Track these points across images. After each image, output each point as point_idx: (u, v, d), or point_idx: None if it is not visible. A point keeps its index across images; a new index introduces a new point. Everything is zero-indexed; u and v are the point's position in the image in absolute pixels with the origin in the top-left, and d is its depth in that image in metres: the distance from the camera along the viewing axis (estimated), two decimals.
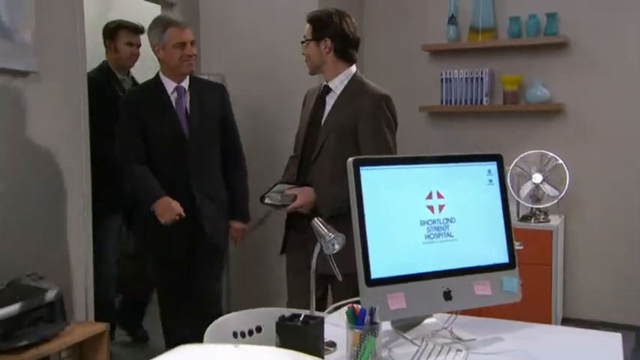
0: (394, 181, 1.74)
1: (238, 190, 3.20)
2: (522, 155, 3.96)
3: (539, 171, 3.90)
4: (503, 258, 1.85)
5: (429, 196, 1.77)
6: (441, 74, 4.33)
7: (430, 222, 1.76)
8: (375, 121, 2.55)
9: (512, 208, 4.04)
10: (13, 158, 2.77)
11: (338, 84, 2.65)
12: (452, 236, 1.78)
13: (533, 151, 3.97)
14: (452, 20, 4.33)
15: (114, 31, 3.69)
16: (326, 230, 1.67)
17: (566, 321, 4.09)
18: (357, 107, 2.57)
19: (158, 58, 3.02)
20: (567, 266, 4.19)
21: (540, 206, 3.89)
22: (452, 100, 4.32)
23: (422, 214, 1.76)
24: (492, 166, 1.92)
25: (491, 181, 1.89)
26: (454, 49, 4.37)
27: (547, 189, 3.87)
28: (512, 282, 1.83)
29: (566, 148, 4.10)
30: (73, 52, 3.01)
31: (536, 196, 3.91)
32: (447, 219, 1.78)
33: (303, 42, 2.68)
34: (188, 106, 3.03)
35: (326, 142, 2.59)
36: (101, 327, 2.88)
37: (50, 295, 2.67)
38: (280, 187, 2.66)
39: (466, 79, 4.27)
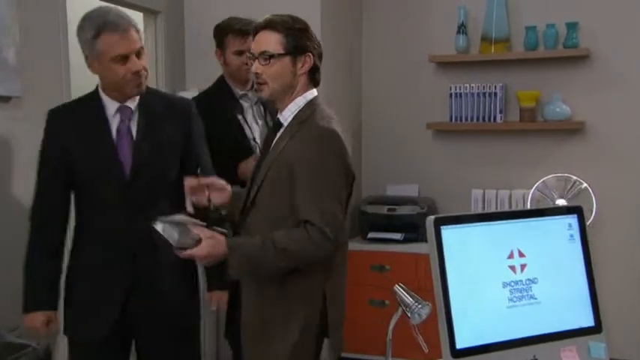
0: (474, 239, 1.69)
1: None
2: (544, 179, 3.93)
3: (562, 196, 3.88)
4: (588, 321, 1.81)
5: (510, 256, 1.74)
6: (450, 88, 4.27)
7: (513, 283, 1.72)
8: (314, 161, 2.15)
9: None
10: None
11: (288, 115, 2.27)
12: (535, 298, 1.75)
13: (556, 175, 3.95)
14: (461, 29, 4.27)
15: (221, 36, 3.23)
16: (411, 299, 1.60)
17: None
18: (296, 145, 2.19)
19: (91, 71, 2.43)
20: None
21: None
22: (462, 117, 4.27)
23: (504, 275, 1.72)
24: (573, 219, 1.86)
25: (572, 236, 1.84)
26: (464, 61, 4.31)
27: None
28: (599, 347, 1.79)
29: (589, 169, 4.08)
30: (57, 73, 2.88)
31: None
32: (530, 280, 1.74)
33: (269, 56, 2.19)
34: (134, 134, 2.45)
35: (263, 185, 2.24)
36: None
37: (36, 352, 2.52)
38: (184, 219, 2.14)
39: (477, 94, 4.22)
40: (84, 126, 2.44)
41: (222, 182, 2.38)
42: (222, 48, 3.19)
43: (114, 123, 2.44)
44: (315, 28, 2.34)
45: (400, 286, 1.65)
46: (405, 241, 4.11)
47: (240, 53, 3.10)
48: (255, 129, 3.15)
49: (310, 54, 2.23)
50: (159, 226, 2.08)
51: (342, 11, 4.30)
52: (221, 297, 2.70)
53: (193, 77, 3.99)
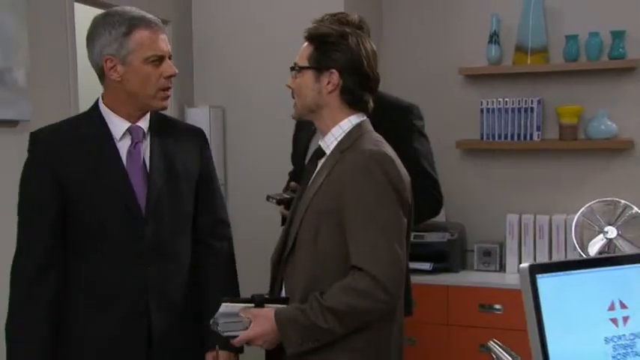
0: (572, 289, 1.53)
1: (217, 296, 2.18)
2: (590, 204, 3.79)
3: (611, 222, 3.73)
4: None
5: (612, 307, 1.58)
6: (481, 103, 4.14)
7: (615, 339, 1.56)
8: (362, 194, 1.96)
9: None
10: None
11: (331, 142, 2.10)
12: None
13: (602, 199, 3.81)
14: (494, 38, 4.13)
15: None
16: (510, 357, 1.47)
17: None
18: (339, 175, 2.01)
19: (107, 78, 2.15)
20: None
21: None
22: (494, 135, 4.12)
23: (606, 329, 1.56)
24: None
25: None
26: (496, 73, 4.18)
27: (622, 245, 3.70)
28: None
29: (638, 192, 3.94)
30: (66, 95, 2.79)
31: (606, 254, 3.72)
32: (634, 334, 1.58)
33: (293, 68, 2.12)
34: (148, 161, 2.21)
35: (301, 229, 2.06)
36: None
37: None
38: (231, 309, 2.01)
39: (512, 109, 4.08)
40: (84, 153, 2.14)
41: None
42: None
43: (123, 147, 2.18)
44: None
45: (494, 342, 1.52)
46: (434, 271, 3.95)
47: None
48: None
49: (335, 70, 2.04)
50: (219, 328, 2.00)
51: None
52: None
53: (202, 91, 3.87)
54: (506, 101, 4.09)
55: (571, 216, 3.88)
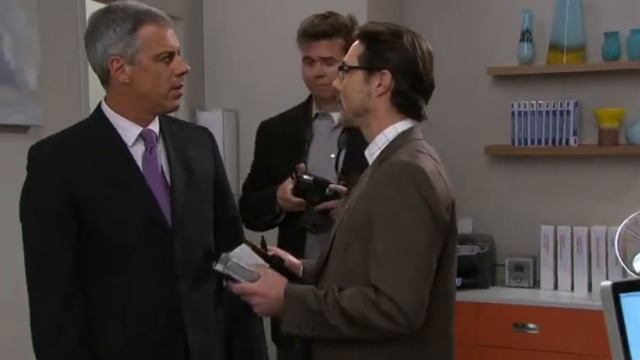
0: None
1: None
2: (634, 215, 3.68)
3: None
4: None
5: None
6: (512, 106, 4.03)
7: None
8: (390, 209, 1.89)
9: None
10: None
11: (374, 151, 2.04)
12: None
13: None
14: (526, 36, 4.03)
15: (299, 40, 2.91)
16: None
17: None
18: (371, 189, 1.96)
19: (113, 80, 2.06)
20: None
21: None
22: (527, 140, 4.02)
23: None
24: None
25: None
26: (529, 73, 4.08)
27: None
28: None
29: None
30: (77, 99, 2.78)
31: None
32: None
33: (342, 68, 2.05)
34: (165, 167, 2.14)
35: (334, 244, 2.03)
36: None
37: None
38: (247, 255, 2.03)
39: (546, 112, 3.98)
40: (95, 162, 2.04)
41: (289, 258, 2.16)
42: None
43: (137, 153, 2.10)
44: None
45: None
46: (462, 287, 3.82)
47: (308, 61, 2.84)
48: (320, 162, 2.79)
49: (388, 71, 1.96)
50: (219, 266, 2.01)
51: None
52: None
53: (213, 93, 3.80)
54: (540, 104, 3.99)
55: (612, 228, 3.77)
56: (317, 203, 2.61)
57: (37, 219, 2.04)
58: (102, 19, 2.02)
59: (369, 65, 1.98)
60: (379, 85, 1.97)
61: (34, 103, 2.61)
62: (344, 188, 2.56)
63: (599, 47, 3.96)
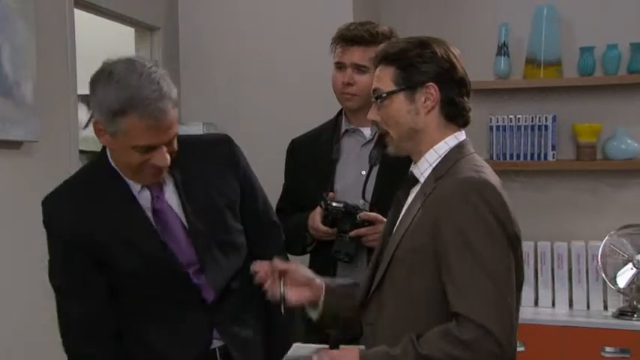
0: None
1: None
2: (616, 230, 3.79)
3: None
4: None
5: None
6: (490, 120, 4.09)
7: None
8: (462, 230, 1.81)
9: (597, 299, 3.87)
10: None
11: (425, 168, 1.97)
12: None
13: (628, 224, 3.80)
14: (502, 50, 4.10)
15: (331, 43, 2.78)
16: None
17: None
18: (434, 208, 1.88)
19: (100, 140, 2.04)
20: None
21: None
22: (505, 155, 4.09)
23: None
24: None
25: None
26: (506, 88, 4.14)
27: None
28: None
29: None
30: (67, 113, 2.76)
31: (636, 285, 3.68)
32: None
33: (378, 98, 1.98)
34: (177, 206, 2.11)
35: (391, 268, 1.93)
36: None
37: None
38: (303, 350, 2.00)
39: (525, 127, 4.04)
40: (106, 218, 2.04)
41: (305, 273, 2.07)
42: None
43: (145, 201, 2.08)
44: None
45: None
46: None
47: (339, 67, 2.72)
48: (350, 180, 2.72)
49: (433, 83, 1.91)
50: None
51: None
52: None
53: (190, 115, 3.79)
54: (519, 118, 4.04)
55: (592, 243, 3.85)
56: (348, 231, 2.55)
57: (69, 290, 2.09)
58: (101, 81, 1.93)
59: (409, 84, 1.93)
60: (426, 100, 1.93)
61: (30, 117, 2.57)
62: (377, 215, 2.53)
63: (575, 62, 4.03)
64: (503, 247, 1.82)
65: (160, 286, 2.06)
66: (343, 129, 2.80)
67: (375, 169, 2.66)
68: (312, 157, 2.81)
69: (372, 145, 2.71)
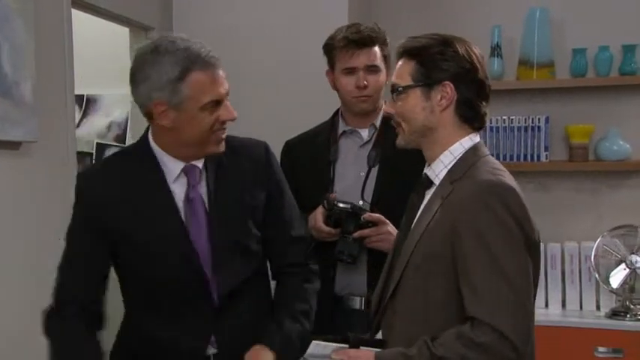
0: None
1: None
2: (610, 230, 3.83)
3: (633, 251, 3.77)
4: None
5: None
6: None
7: None
8: (481, 233, 1.80)
9: (590, 300, 3.90)
10: None
11: (440, 170, 1.97)
12: None
13: (620, 225, 3.84)
14: (496, 52, 4.12)
15: (329, 51, 2.76)
16: None
17: None
18: (451, 211, 1.87)
19: (156, 122, 2.04)
20: None
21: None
22: (498, 156, 4.07)
23: None
24: None
25: None
26: (499, 89, 4.07)
27: None
28: None
29: None
30: (65, 113, 2.77)
31: (629, 285, 3.74)
32: None
33: (395, 91, 1.99)
34: (207, 202, 2.11)
35: (406, 272, 1.93)
36: None
37: None
38: (322, 349, 1.97)
39: (518, 128, 4.08)
40: (134, 201, 2.07)
41: None
42: (332, 68, 2.77)
43: (177, 189, 2.09)
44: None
45: None
46: None
47: (350, 72, 2.70)
48: (348, 181, 2.72)
49: (450, 83, 1.90)
50: None
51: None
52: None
53: None
54: (512, 119, 4.07)
55: (584, 244, 3.88)
56: (353, 232, 2.56)
57: (72, 251, 2.13)
58: (149, 60, 1.97)
59: (428, 80, 1.92)
60: (441, 98, 1.92)
61: (29, 117, 2.57)
62: (381, 216, 2.55)
63: (567, 64, 4.06)
64: (522, 251, 1.82)
65: (172, 275, 2.07)
66: (340, 130, 2.81)
67: (374, 170, 2.68)
68: (309, 158, 2.81)
69: (369, 146, 2.73)
